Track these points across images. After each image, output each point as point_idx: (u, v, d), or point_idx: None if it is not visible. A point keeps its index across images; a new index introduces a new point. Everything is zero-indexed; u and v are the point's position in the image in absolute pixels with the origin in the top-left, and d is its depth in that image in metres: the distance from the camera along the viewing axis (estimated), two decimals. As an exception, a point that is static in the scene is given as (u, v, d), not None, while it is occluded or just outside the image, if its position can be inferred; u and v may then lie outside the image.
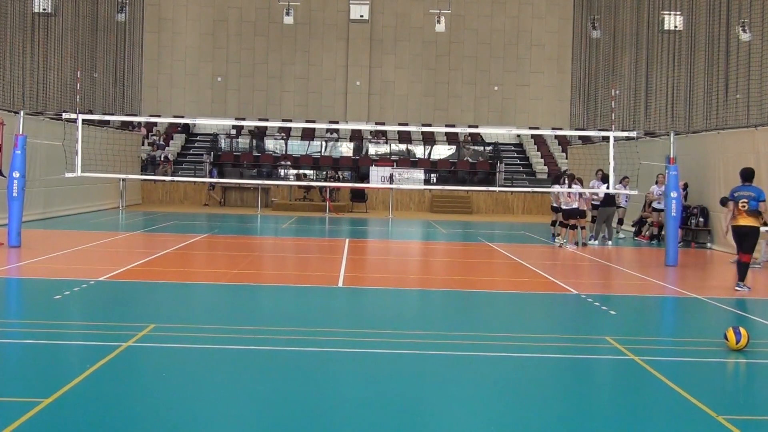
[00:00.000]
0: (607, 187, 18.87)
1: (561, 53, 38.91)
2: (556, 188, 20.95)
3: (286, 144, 36.93)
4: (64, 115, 17.23)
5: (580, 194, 19.16)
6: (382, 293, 11.81)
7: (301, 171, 33.97)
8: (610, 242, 19.69)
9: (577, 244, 18.94)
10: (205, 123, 37.57)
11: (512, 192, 31.95)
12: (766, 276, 14.54)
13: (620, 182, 19.90)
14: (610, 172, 17.25)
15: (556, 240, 19.73)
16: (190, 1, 39.36)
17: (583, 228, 19.25)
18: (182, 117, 36.58)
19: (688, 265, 15.94)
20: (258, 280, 12.73)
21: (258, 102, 39.76)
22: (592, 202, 20.35)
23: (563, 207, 19.00)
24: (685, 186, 19.36)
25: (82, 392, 6.17)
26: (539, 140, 38.65)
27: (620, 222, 21.27)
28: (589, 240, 19.48)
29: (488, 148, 37.56)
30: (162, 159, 34.32)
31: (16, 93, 22.38)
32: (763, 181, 16.75)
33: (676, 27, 23.90)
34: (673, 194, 15.82)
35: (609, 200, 19.54)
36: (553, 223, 20.30)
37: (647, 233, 20.75)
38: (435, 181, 34.16)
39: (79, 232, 19.28)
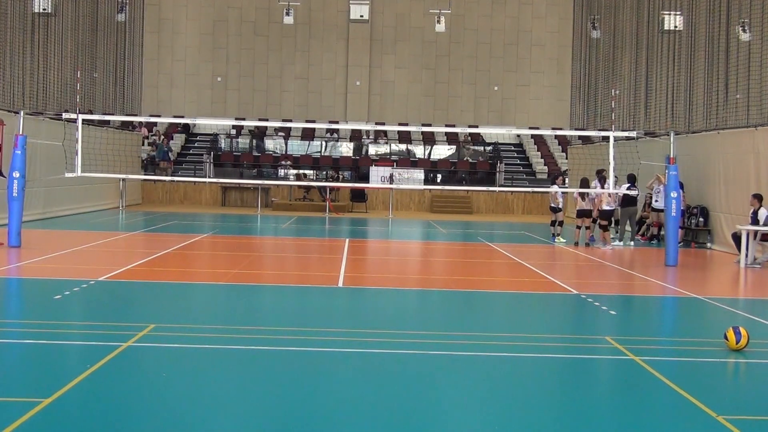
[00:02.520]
0: (605, 187, 18.89)
1: (561, 53, 38.91)
2: (554, 188, 20.96)
3: (286, 144, 36.93)
4: (64, 115, 17.23)
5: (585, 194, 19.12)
6: (382, 293, 11.81)
7: (301, 171, 33.96)
8: (632, 243, 19.52)
9: (587, 244, 18.92)
10: (205, 123, 37.57)
11: (512, 192, 31.95)
12: (767, 276, 14.54)
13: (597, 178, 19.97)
14: (610, 173, 17.24)
15: (555, 240, 19.72)
16: (190, 1, 39.36)
17: (587, 228, 19.23)
18: (182, 117, 36.58)
19: (688, 265, 15.95)
20: (258, 280, 12.73)
21: (258, 102, 39.76)
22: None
23: (605, 207, 18.77)
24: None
25: (82, 392, 6.17)
26: (539, 140, 38.65)
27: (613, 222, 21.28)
28: (615, 242, 19.46)
29: (488, 148, 37.56)
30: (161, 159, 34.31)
31: (16, 93, 22.38)
32: (763, 180, 16.76)
33: (676, 27, 23.90)
34: (673, 194, 15.82)
35: (628, 200, 19.54)
36: (553, 224, 20.29)
37: (648, 233, 20.73)
38: (435, 181, 34.17)
39: (79, 232, 19.28)
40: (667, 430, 5.81)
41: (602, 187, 18.76)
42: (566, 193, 22.74)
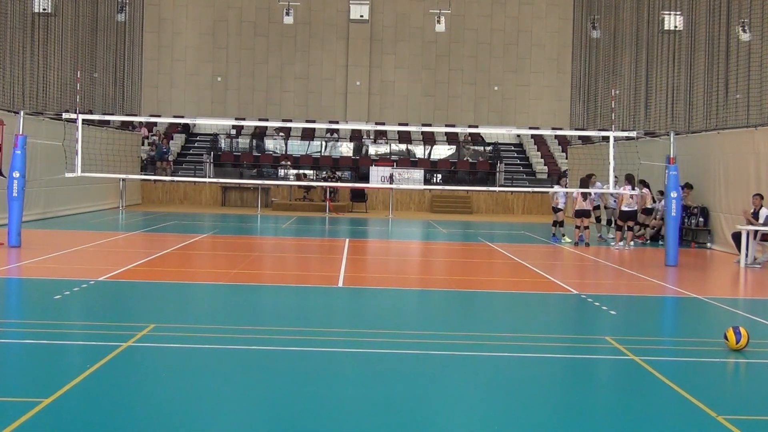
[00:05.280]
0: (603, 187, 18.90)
1: (561, 53, 38.91)
2: (555, 188, 20.96)
3: (286, 144, 36.94)
4: (64, 115, 17.22)
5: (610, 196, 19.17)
6: (382, 293, 11.80)
7: (301, 171, 33.96)
8: (632, 244, 19.32)
9: (587, 244, 18.92)
10: (205, 123, 37.57)
11: (512, 192, 31.95)
12: (767, 276, 14.54)
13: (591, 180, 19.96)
14: (610, 173, 17.22)
15: (561, 240, 19.70)
16: (190, 1, 39.35)
17: (586, 228, 19.22)
18: (182, 117, 36.58)
19: (688, 265, 15.94)
20: (258, 280, 12.73)
21: (258, 102, 39.76)
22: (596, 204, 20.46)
23: (624, 209, 18.68)
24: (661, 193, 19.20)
25: (82, 392, 6.17)
26: (539, 140, 38.66)
27: (609, 222, 21.28)
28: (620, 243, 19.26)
29: (488, 148, 37.57)
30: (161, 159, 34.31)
31: (16, 93, 22.37)
32: (763, 181, 16.76)
33: (676, 27, 23.89)
34: (673, 194, 15.82)
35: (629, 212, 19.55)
36: (554, 224, 20.27)
37: (645, 233, 20.71)
38: (435, 181, 34.17)
39: (79, 232, 19.28)
40: (667, 430, 5.81)
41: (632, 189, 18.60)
42: (568, 193, 22.74)
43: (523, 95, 40.27)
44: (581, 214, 19.19)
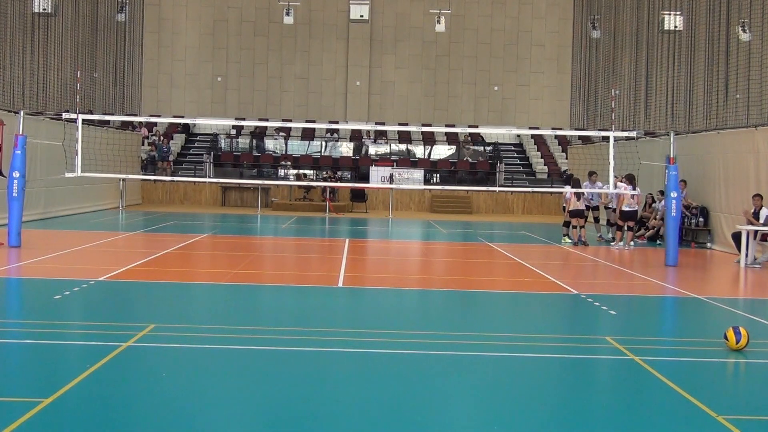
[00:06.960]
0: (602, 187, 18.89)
1: (561, 53, 38.92)
2: (566, 188, 20.93)
3: (286, 144, 36.94)
4: (64, 115, 17.22)
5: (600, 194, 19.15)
6: (382, 293, 11.80)
7: (301, 171, 33.95)
8: (632, 244, 19.25)
9: (585, 244, 18.91)
10: (205, 123, 37.57)
11: (512, 192, 31.95)
12: (767, 276, 14.54)
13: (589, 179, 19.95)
14: (610, 173, 17.22)
15: (562, 241, 19.67)
16: (190, 1, 39.35)
17: (582, 227, 19.21)
18: (182, 117, 36.58)
19: (688, 265, 15.94)
20: (258, 280, 12.72)
21: (258, 102, 39.76)
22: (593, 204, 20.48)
23: (625, 209, 18.68)
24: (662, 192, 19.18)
25: (82, 392, 6.17)
26: (539, 140, 38.66)
27: (609, 222, 21.26)
28: (619, 244, 19.20)
29: (488, 148, 37.57)
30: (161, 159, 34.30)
31: (16, 93, 22.38)
32: (762, 181, 16.76)
33: (676, 27, 23.90)
34: (673, 194, 15.82)
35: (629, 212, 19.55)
36: (565, 224, 20.20)
37: (645, 233, 20.72)
38: (435, 181, 34.16)
39: (79, 232, 19.28)
40: (667, 430, 5.81)
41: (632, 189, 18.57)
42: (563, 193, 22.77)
43: (523, 95, 40.27)
44: (575, 214, 19.21)
